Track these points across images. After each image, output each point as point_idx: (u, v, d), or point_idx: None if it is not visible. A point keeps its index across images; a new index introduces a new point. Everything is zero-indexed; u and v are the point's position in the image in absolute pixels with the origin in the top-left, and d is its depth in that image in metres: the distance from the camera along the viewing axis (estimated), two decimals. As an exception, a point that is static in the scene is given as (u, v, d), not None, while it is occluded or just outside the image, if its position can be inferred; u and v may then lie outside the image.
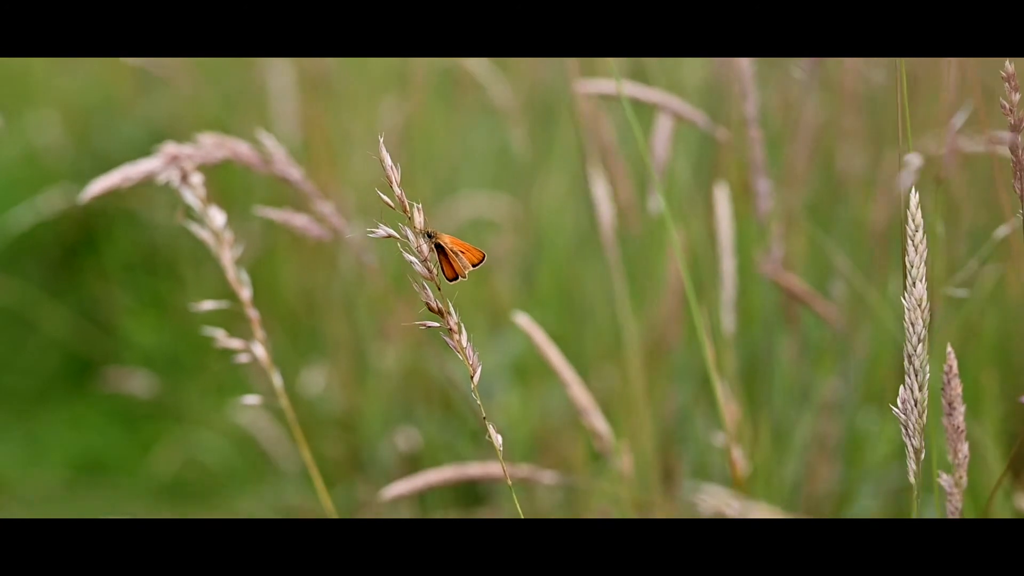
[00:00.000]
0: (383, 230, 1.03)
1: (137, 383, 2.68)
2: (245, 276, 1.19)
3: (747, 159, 1.66)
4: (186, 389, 2.81)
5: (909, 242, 1.05)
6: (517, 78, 2.61)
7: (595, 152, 1.88)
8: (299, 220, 1.44)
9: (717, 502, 1.44)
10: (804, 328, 2.12)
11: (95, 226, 3.15)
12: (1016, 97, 1.09)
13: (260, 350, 1.21)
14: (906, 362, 1.07)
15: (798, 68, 2.04)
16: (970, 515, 1.77)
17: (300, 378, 2.53)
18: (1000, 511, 1.60)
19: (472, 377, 1.07)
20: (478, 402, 1.07)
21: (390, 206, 1.03)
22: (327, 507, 1.36)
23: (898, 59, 1.18)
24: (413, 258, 1.05)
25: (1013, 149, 1.09)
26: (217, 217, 1.14)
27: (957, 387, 1.11)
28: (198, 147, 1.22)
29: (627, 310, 1.85)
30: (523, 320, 1.51)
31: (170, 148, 1.19)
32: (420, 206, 1.05)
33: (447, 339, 1.07)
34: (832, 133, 2.28)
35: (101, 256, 3.13)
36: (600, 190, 1.72)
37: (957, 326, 1.89)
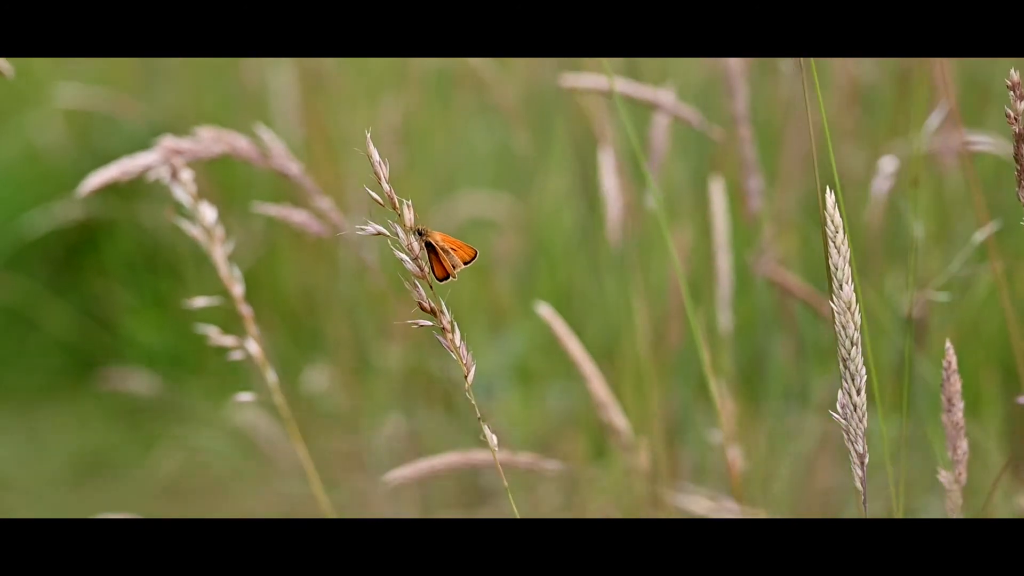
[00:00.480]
0: (372, 227, 1.02)
1: (139, 381, 2.68)
2: (237, 272, 1.18)
3: (739, 158, 1.65)
4: (188, 388, 2.81)
5: (831, 244, 1.04)
6: (515, 77, 2.61)
7: (600, 146, 1.87)
8: (298, 216, 1.44)
9: (702, 508, 1.44)
10: (800, 327, 2.11)
11: (97, 225, 3.15)
12: (1021, 106, 1.08)
13: (254, 347, 1.20)
14: (841, 366, 1.06)
15: (786, 63, 2.03)
16: (970, 514, 1.76)
17: (302, 376, 2.53)
18: (999, 511, 1.60)
19: (466, 376, 1.06)
20: (473, 401, 1.06)
21: (379, 203, 1.02)
22: (324, 505, 1.36)
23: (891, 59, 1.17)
24: (404, 256, 1.04)
25: (1018, 157, 1.08)
26: (208, 213, 1.14)
27: (956, 383, 1.11)
28: (196, 141, 1.22)
29: (638, 306, 1.84)
30: (545, 310, 1.51)
31: (168, 142, 1.18)
32: (410, 203, 1.04)
33: (440, 338, 1.06)
34: (832, 131, 2.28)
35: (103, 255, 3.13)
36: (610, 180, 1.71)
37: (955, 325, 1.89)
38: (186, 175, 1.11)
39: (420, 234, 1.06)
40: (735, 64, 1.63)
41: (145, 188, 2.75)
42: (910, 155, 2.07)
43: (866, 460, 1.07)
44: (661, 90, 1.66)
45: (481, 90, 2.68)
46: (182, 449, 2.68)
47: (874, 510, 2.00)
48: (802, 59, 1.72)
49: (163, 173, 1.11)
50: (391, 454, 2.37)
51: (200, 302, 1.18)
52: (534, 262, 2.52)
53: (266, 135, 1.38)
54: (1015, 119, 1.08)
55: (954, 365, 1.12)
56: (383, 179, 1.01)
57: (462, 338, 1.06)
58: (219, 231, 1.14)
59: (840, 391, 1.06)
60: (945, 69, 2.00)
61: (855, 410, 1.06)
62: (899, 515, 1.21)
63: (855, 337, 1.05)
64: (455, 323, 1.05)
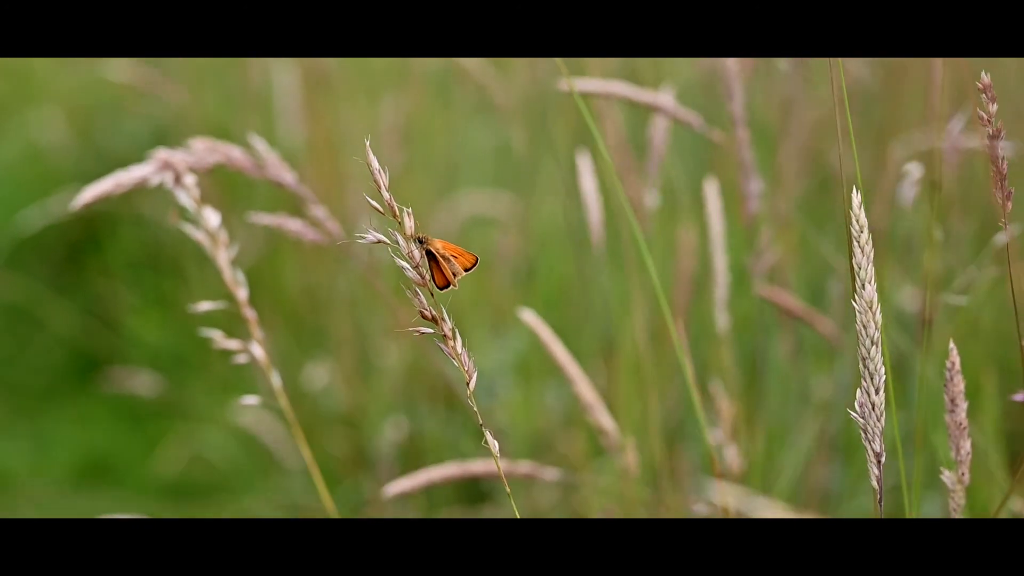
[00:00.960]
0: (372, 235, 1.02)
1: (142, 381, 2.68)
2: (241, 276, 1.19)
3: (737, 160, 1.65)
4: (191, 387, 2.81)
5: (855, 244, 1.05)
6: (515, 76, 2.61)
7: (596, 147, 1.88)
8: (293, 225, 1.44)
9: (723, 501, 1.44)
10: (799, 329, 2.11)
11: (100, 224, 3.15)
12: (994, 108, 1.09)
13: (258, 350, 1.20)
14: (861, 365, 1.06)
15: (783, 62, 2.03)
16: (968, 515, 1.77)
17: (304, 376, 2.53)
18: (999, 515, 1.60)
19: (468, 383, 1.06)
20: (474, 408, 1.06)
21: (379, 211, 1.02)
22: (328, 505, 1.36)
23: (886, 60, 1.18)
24: (405, 263, 1.04)
25: (993, 160, 1.09)
26: (212, 218, 1.14)
27: (959, 384, 1.11)
28: (190, 153, 1.22)
29: (635, 305, 1.85)
30: (529, 316, 1.51)
31: (162, 154, 1.18)
32: (410, 211, 1.03)
33: (441, 346, 1.06)
34: (825, 131, 2.28)
35: (106, 254, 3.14)
36: (588, 182, 1.72)
37: (955, 325, 1.89)
38: (189, 180, 1.12)
39: (420, 242, 1.05)
40: (732, 65, 1.63)
41: (148, 188, 2.76)
42: (910, 155, 2.08)
43: (883, 459, 1.08)
44: (660, 93, 1.66)
45: (482, 89, 2.69)
46: (185, 448, 2.68)
47: (872, 508, 2.01)
48: (802, 58, 1.73)
49: (167, 179, 1.12)
50: (393, 453, 2.37)
51: (204, 306, 1.18)
52: (534, 260, 2.52)
53: (260, 145, 1.38)
54: (988, 121, 1.09)
55: (957, 365, 1.12)
56: (383, 187, 1.01)
57: (463, 345, 1.06)
58: (223, 235, 1.14)
59: (859, 390, 1.07)
60: (941, 68, 2.01)
61: (873, 409, 1.07)
62: (914, 512, 1.21)
63: (875, 336, 1.05)
64: (456, 330, 1.05)
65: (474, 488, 2.41)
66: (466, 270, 1.10)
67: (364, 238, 1.02)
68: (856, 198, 1.05)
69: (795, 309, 1.74)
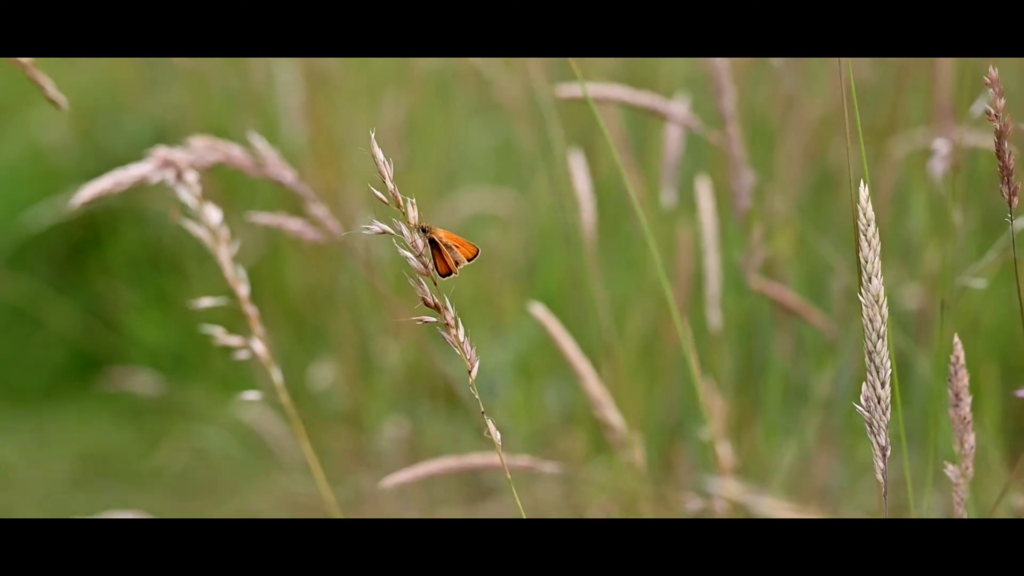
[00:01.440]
0: (377, 226, 1.03)
1: (143, 380, 2.68)
2: (243, 273, 1.19)
3: (728, 156, 1.66)
4: (192, 385, 2.81)
5: (862, 238, 1.05)
6: (515, 73, 2.61)
7: (596, 146, 1.89)
8: (293, 224, 1.44)
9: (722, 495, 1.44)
10: (796, 326, 2.12)
11: (101, 223, 3.16)
12: (1002, 103, 1.09)
13: (259, 346, 1.21)
14: (867, 359, 1.07)
15: (777, 59, 2.04)
16: (971, 509, 1.77)
17: (306, 374, 2.53)
18: (999, 511, 1.60)
19: (470, 372, 1.07)
20: (476, 396, 1.07)
21: (384, 202, 1.03)
22: (330, 502, 1.36)
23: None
24: (408, 253, 1.05)
25: (1000, 154, 1.09)
26: (213, 215, 1.14)
27: (964, 378, 1.11)
28: (190, 151, 1.22)
29: (634, 303, 1.85)
30: (538, 311, 1.52)
31: (162, 152, 1.19)
32: (414, 201, 1.05)
33: (444, 334, 1.07)
34: (826, 129, 2.28)
35: (106, 253, 3.14)
36: (582, 183, 1.73)
37: (956, 319, 1.89)
38: (191, 177, 1.12)
39: (424, 231, 1.07)
40: (722, 63, 1.64)
41: (149, 187, 2.76)
42: (913, 151, 2.08)
43: (888, 453, 1.08)
44: (669, 100, 1.67)
45: (482, 87, 2.69)
46: (187, 447, 2.68)
47: (872, 506, 2.01)
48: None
49: (168, 176, 1.12)
50: (394, 451, 2.37)
51: (205, 302, 1.18)
52: (535, 259, 2.53)
53: (260, 143, 1.38)
54: (996, 116, 1.09)
55: (962, 360, 1.12)
56: (387, 178, 1.02)
57: (465, 334, 1.07)
58: (224, 232, 1.15)
59: (864, 384, 1.07)
60: (945, 65, 2.01)
61: (879, 403, 1.07)
62: (919, 508, 1.21)
63: (882, 330, 1.06)
64: (459, 319, 1.06)
65: (475, 485, 2.41)
66: (468, 260, 1.12)
67: (369, 229, 1.03)
68: (864, 192, 1.05)
69: (790, 303, 1.75)
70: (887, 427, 1.07)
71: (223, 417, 2.67)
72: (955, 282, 1.61)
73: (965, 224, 2.05)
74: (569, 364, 1.47)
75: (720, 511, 1.61)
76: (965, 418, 1.11)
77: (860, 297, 1.06)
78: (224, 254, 1.16)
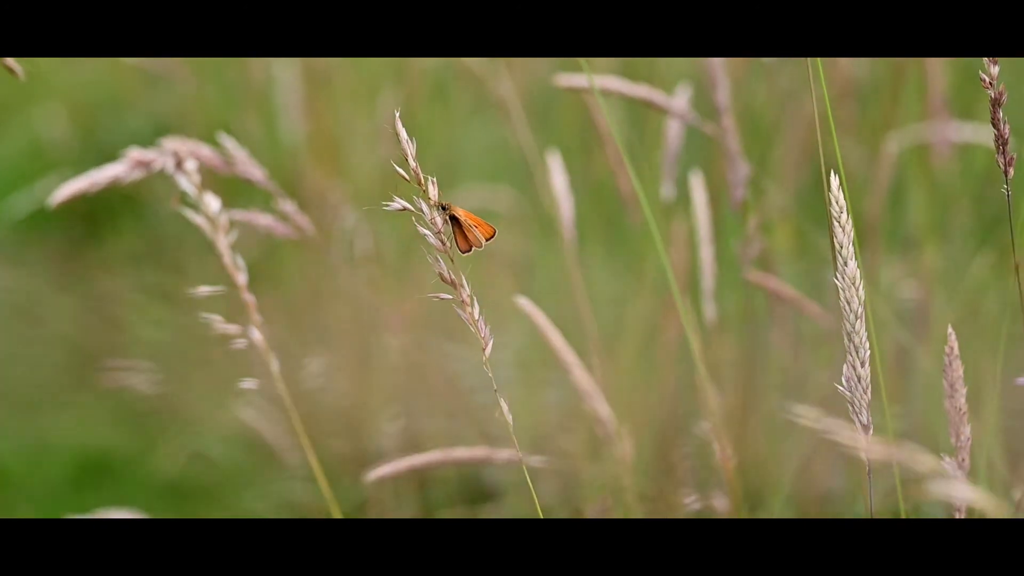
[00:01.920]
0: (398, 202, 1.04)
1: (142, 378, 2.68)
2: (241, 261, 1.20)
3: (723, 149, 1.69)
4: (191, 384, 2.81)
5: (835, 223, 1.08)
6: (514, 71, 2.62)
7: (595, 141, 1.90)
8: (263, 219, 1.46)
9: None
10: (795, 319, 2.12)
11: (101, 220, 3.16)
12: (995, 70, 1.10)
13: (257, 335, 1.22)
14: (846, 340, 1.09)
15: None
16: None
17: (304, 373, 2.53)
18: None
19: (484, 349, 1.09)
20: (490, 374, 1.09)
21: (405, 179, 1.04)
22: (329, 500, 1.37)
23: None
24: (427, 231, 1.07)
25: (995, 123, 1.11)
26: (212, 203, 1.15)
27: (958, 369, 1.12)
28: (161, 152, 1.25)
29: (632, 299, 1.86)
30: (525, 304, 1.53)
31: (135, 153, 1.22)
32: (435, 179, 1.06)
33: (459, 311, 1.09)
34: (823, 127, 2.29)
35: (106, 250, 3.14)
36: (559, 180, 1.76)
37: (954, 313, 1.90)
38: (190, 165, 1.13)
39: (444, 209, 1.08)
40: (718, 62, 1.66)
41: (150, 183, 2.76)
42: (909, 146, 2.09)
43: (870, 432, 1.09)
44: (663, 92, 1.69)
45: (480, 85, 2.69)
46: (185, 446, 2.68)
47: (878, 500, 2.01)
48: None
49: (168, 164, 1.13)
50: (393, 449, 2.38)
51: (204, 290, 1.20)
52: (533, 256, 2.53)
53: (229, 143, 1.41)
54: (990, 83, 1.10)
55: (956, 350, 1.13)
56: (410, 156, 1.04)
57: (480, 313, 1.09)
58: (223, 220, 1.16)
59: (845, 364, 1.09)
60: (936, 61, 2.01)
61: (859, 382, 1.09)
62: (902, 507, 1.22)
63: (859, 311, 1.08)
64: (473, 297, 1.07)
65: (475, 488, 2.41)
66: (487, 239, 1.13)
67: (390, 205, 1.05)
68: (835, 180, 1.07)
69: (785, 294, 1.76)
70: (868, 406, 1.09)
71: (222, 417, 2.67)
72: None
73: (962, 219, 2.06)
74: (573, 344, 1.48)
75: (721, 510, 1.62)
76: (960, 409, 1.12)
77: (836, 280, 1.08)
78: (223, 242, 1.17)
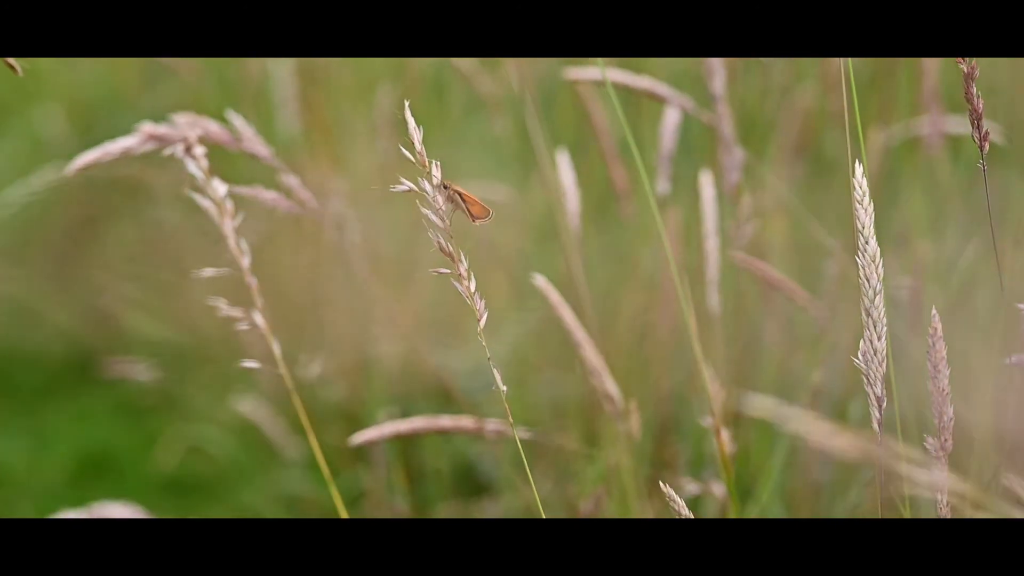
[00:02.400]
0: (405, 184, 1.08)
1: (142, 375, 2.70)
2: (245, 245, 1.22)
3: (717, 134, 1.73)
4: (191, 380, 2.82)
5: (858, 206, 1.11)
6: (513, 65, 2.63)
7: (598, 136, 1.93)
8: (268, 195, 1.48)
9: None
10: (788, 312, 2.14)
11: (100, 216, 3.17)
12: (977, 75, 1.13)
13: (260, 318, 1.24)
14: (864, 315, 1.13)
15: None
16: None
17: (303, 369, 2.54)
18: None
19: (479, 320, 1.12)
20: (483, 343, 1.12)
21: (412, 161, 1.07)
22: (333, 494, 1.38)
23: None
24: (429, 211, 1.10)
25: (968, 97, 1.13)
26: (219, 188, 1.18)
27: (942, 349, 1.15)
28: (173, 126, 1.28)
29: (627, 292, 1.88)
30: (540, 281, 1.56)
31: (147, 127, 1.25)
32: (439, 163, 1.10)
33: (456, 284, 1.12)
34: (816, 120, 2.31)
35: (106, 247, 3.15)
36: (567, 178, 1.80)
37: (945, 303, 1.92)
38: (199, 150, 1.16)
39: (445, 187, 1.12)
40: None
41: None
42: (899, 141, 2.11)
43: (884, 404, 1.12)
44: (656, 81, 1.73)
45: (478, 79, 2.71)
46: (185, 442, 2.70)
47: (865, 489, 2.03)
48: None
49: (177, 150, 1.16)
50: (389, 445, 2.39)
51: (208, 272, 1.22)
52: (529, 252, 2.54)
53: (238, 120, 1.44)
54: (963, 59, 1.13)
55: (940, 332, 1.15)
56: (416, 140, 1.07)
57: (476, 288, 1.12)
58: (229, 205, 1.18)
59: (862, 339, 1.12)
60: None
61: (875, 355, 1.12)
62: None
63: (878, 287, 1.12)
64: (471, 271, 1.10)
65: (471, 483, 2.42)
66: (482, 219, 1.17)
67: (396, 187, 1.08)
68: (858, 167, 1.10)
69: (774, 279, 1.78)
70: (883, 378, 1.12)
71: (222, 412, 2.68)
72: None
73: (955, 211, 2.08)
74: (567, 349, 1.50)
75: (718, 494, 1.64)
76: (944, 390, 1.14)
77: (857, 259, 1.11)
78: (228, 226, 1.20)
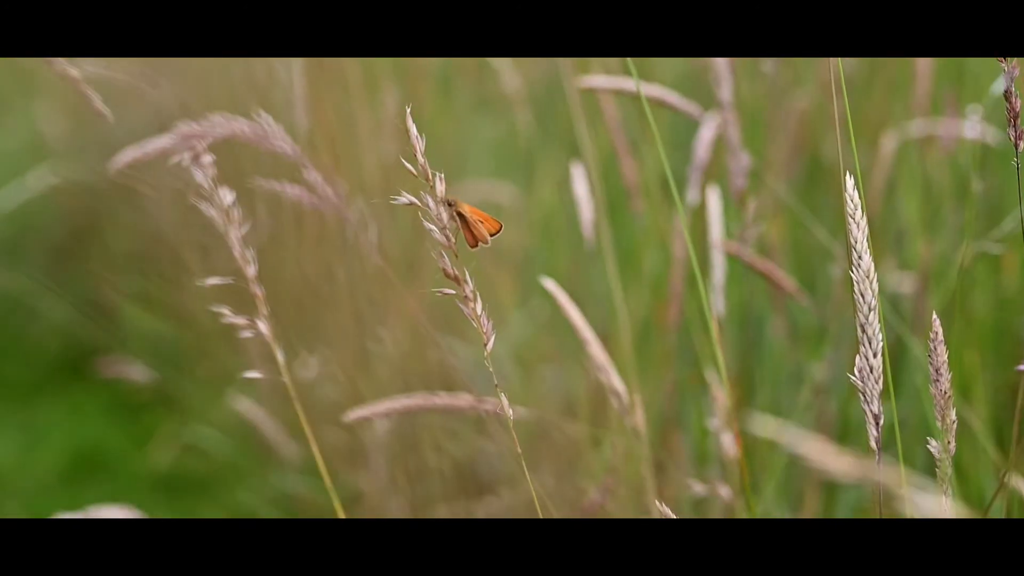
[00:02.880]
0: (406, 197, 1.07)
1: (138, 372, 2.70)
2: (251, 254, 1.23)
3: (724, 140, 1.75)
4: (187, 378, 2.83)
5: (850, 220, 1.11)
6: (519, 66, 2.64)
7: (591, 139, 1.94)
8: (293, 190, 1.49)
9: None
10: (791, 311, 2.15)
11: (100, 213, 3.17)
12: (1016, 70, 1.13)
13: (264, 327, 1.24)
14: (859, 331, 1.12)
15: (767, 63, 2.11)
16: (961, 498, 1.80)
17: (302, 368, 2.54)
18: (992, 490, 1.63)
19: (485, 344, 1.12)
20: (490, 369, 1.11)
21: (413, 174, 1.07)
22: (330, 491, 1.38)
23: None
24: (432, 226, 1.09)
25: (1007, 95, 1.14)
26: (227, 196, 1.18)
27: (943, 354, 1.15)
28: (208, 124, 1.29)
29: (630, 293, 1.89)
30: (549, 284, 1.57)
31: (183, 127, 1.26)
32: (442, 176, 1.09)
33: (462, 306, 1.11)
34: (814, 122, 2.32)
35: (105, 243, 3.15)
36: (581, 188, 1.82)
37: (946, 305, 1.92)
38: (207, 159, 1.16)
39: (450, 205, 1.11)
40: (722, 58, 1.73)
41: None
42: (902, 144, 2.12)
43: (881, 421, 1.13)
44: (665, 89, 1.75)
45: (483, 81, 2.71)
46: (179, 440, 2.70)
47: (866, 496, 2.04)
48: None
49: (185, 158, 1.16)
50: (390, 444, 2.39)
51: (213, 281, 1.22)
52: (534, 250, 2.55)
53: (266, 119, 1.46)
54: (1005, 59, 1.13)
55: (941, 336, 1.15)
56: (419, 152, 1.07)
57: (483, 308, 1.11)
58: (236, 213, 1.19)
59: (858, 355, 1.12)
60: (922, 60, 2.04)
61: (871, 372, 1.12)
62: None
63: (872, 303, 1.11)
64: (476, 292, 1.10)
65: (471, 481, 2.42)
66: (492, 235, 1.16)
67: (397, 200, 1.07)
68: (850, 181, 1.10)
69: (779, 280, 1.80)
70: (879, 396, 1.12)
71: (217, 411, 2.68)
72: (974, 247, 1.66)
73: (957, 214, 2.09)
74: (572, 344, 1.51)
75: (724, 495, 1.64)
76: (946, 393, 1.14)
77: (852, 274, 1.11)
78: (235, 234, 1.20)
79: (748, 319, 2.16)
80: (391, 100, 2.47)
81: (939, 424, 1.16)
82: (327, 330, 2.60)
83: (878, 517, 1.15)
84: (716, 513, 1.94)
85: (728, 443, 1.63)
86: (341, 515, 1.35)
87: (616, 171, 2.21)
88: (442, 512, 2.30)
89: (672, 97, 1.75)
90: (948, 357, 1.14)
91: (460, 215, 1.14)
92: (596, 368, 1.50)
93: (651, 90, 1.75)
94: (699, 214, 2.04)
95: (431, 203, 1.10)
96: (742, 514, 1.69)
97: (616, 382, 1.51)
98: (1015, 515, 1.36)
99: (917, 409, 2.00)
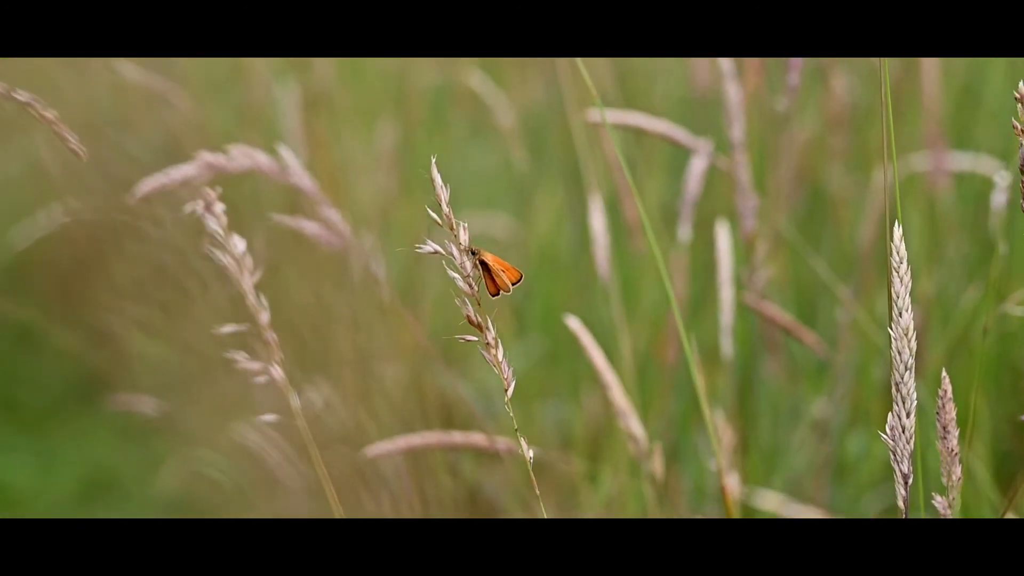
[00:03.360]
0: (431, 245, 1.09)
1: (146, 400, 2.70)
2: (264, 301, 1.24)
3: (733, 180, 1.75)
4: (194, 406, 2.83)
5: (894, 274, 1.11)
6: (512, 94, 2.65)
7: (595, 173, 1.94)
8: (311, 227, 1.51)
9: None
10: (789, 350, 2.15)
11: (105, 241, 3.17)
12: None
13: (278, 372, 1.25)
14: (894, 390, 1.12)
15: (781, 101, 2.11)
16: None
17: (305, 397, 2.54)
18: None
19: (507, 390, 1.13)
20: (511, 414, 1.13)
21: (438, 223, 1.08)
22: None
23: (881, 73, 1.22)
24: (456, 275, 1.11)
25: (1023, 168, 1.14)
26: (239, 244, 1.19)
27: (951, 411, 1.15)
28: (228, 158, 1.31)
29: (628, 328, 1.89)
30: (573, 323, 1.58)
31: (207, 156, 1.28)
32: (466, 225, 1.10)
33: (484, 353, 1.13)
34: (819, 152, 2.33)
35: (112, 272, 3.15)
36: (598, 222, 1.82)
37: (946, 346, 1.93)
38: (219, 208, 1.17)
39: (473, 254, 1.13)
40: (734, 95, 1.71)
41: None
42: (904, 176, 2.12)
43: (910, 480, 1.13)
44: (672, 125, 1.75)
45: (478, 111, 2.72)
46: (188, 467, 2.70)
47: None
48: (789, 92, 1.80)
49: (198, 208, 1.17)
50: (393, 473, 2.39)
51: (228, 329, 1.23)
52: (532, 281, 2.56)
53: (286, 152, 1.48)
54: (1021, 131, 1.13)
55: (949, 393, 1.16)
56: (443, 201, 1.08)
57: (504, 355, 1.13)
58: (248, 261, 1.19)
59: (890, 414, 1.12)
60: (934, 85, 2.05)
61: (903, 432, 1.12)
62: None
63: (909, 363, 1.11)
64: (498, 339, 1.12)
65: (476, 504, 2.43)
66: (513, 284, 1.18)
67: (422, 248, 1.09)
68: (898, 231, 1.10)
69: (784, 323, 1.80)
70: (911, 456, 1.12)
71: (225, 439, 2.68)
72: (996, 311, 1.66)
73: (959, 249, 2.09)
74: (578, 380, 1.51)
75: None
76: (953, 451, 1.15)
77: (890, 331, 1.11)
78: (248, 282, 1.21)
79: (748, 356, 2.17)
80: (387, 133, 2.48)
81: (944, 481, 1.17)
82: (328, 361, 2.60)
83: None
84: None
85: (732, 484, 1.63)
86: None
87: (615, 205, 2.22)
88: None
89: (679, 133, 1.76)
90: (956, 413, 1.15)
91: (483, 263, 1.16)
92: (617, 413, 1.51)
93: (656, 125, 1.75)
94: (700, 246, 2.04)
95: (455, 252, 1.11)
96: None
97: (636, 427, 1.52)
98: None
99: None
